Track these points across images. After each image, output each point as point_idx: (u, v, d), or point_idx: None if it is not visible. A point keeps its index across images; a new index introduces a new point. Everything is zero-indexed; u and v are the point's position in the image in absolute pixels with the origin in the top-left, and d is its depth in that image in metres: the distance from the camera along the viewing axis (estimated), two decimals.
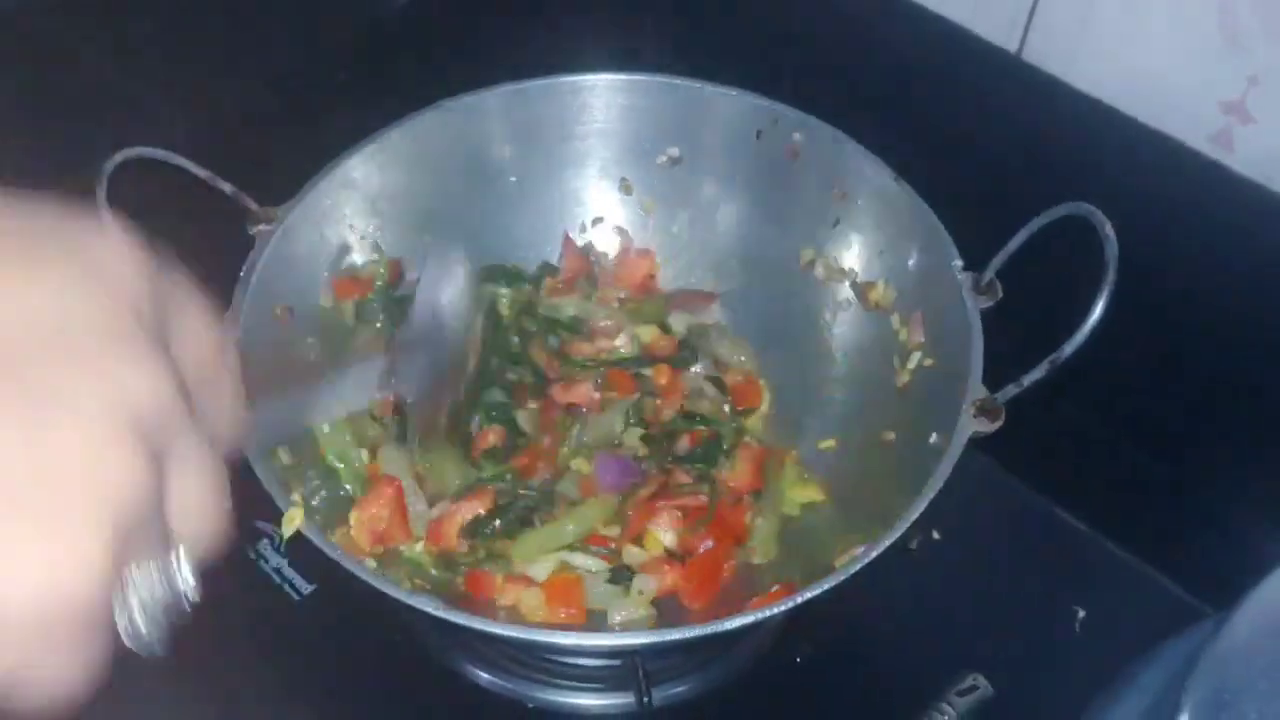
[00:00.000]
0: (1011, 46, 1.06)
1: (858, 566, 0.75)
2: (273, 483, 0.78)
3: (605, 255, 1.12)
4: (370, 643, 0.93)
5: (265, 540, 0.97)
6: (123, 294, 0.37)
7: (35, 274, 0.35)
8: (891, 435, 0.93)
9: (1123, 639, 0.81)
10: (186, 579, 0.40)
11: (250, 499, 0.76)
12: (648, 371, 1.03)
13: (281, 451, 0.86)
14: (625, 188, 1.10)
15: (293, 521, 0.78)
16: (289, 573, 0.96)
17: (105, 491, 0.34)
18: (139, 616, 0.39)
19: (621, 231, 1.11)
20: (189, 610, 0.41)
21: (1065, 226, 0.81)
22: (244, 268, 0.90)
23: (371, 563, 0.87)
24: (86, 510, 0.34)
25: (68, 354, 0.35)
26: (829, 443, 1.00)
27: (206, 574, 0.42)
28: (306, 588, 0.95)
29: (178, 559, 0.40)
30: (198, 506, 0.39)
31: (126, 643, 0.39)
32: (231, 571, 0.94)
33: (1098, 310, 0.76)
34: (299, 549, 0.77)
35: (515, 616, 0.89)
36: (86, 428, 0.34)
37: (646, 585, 0.90)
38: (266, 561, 0.96)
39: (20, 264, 0.36)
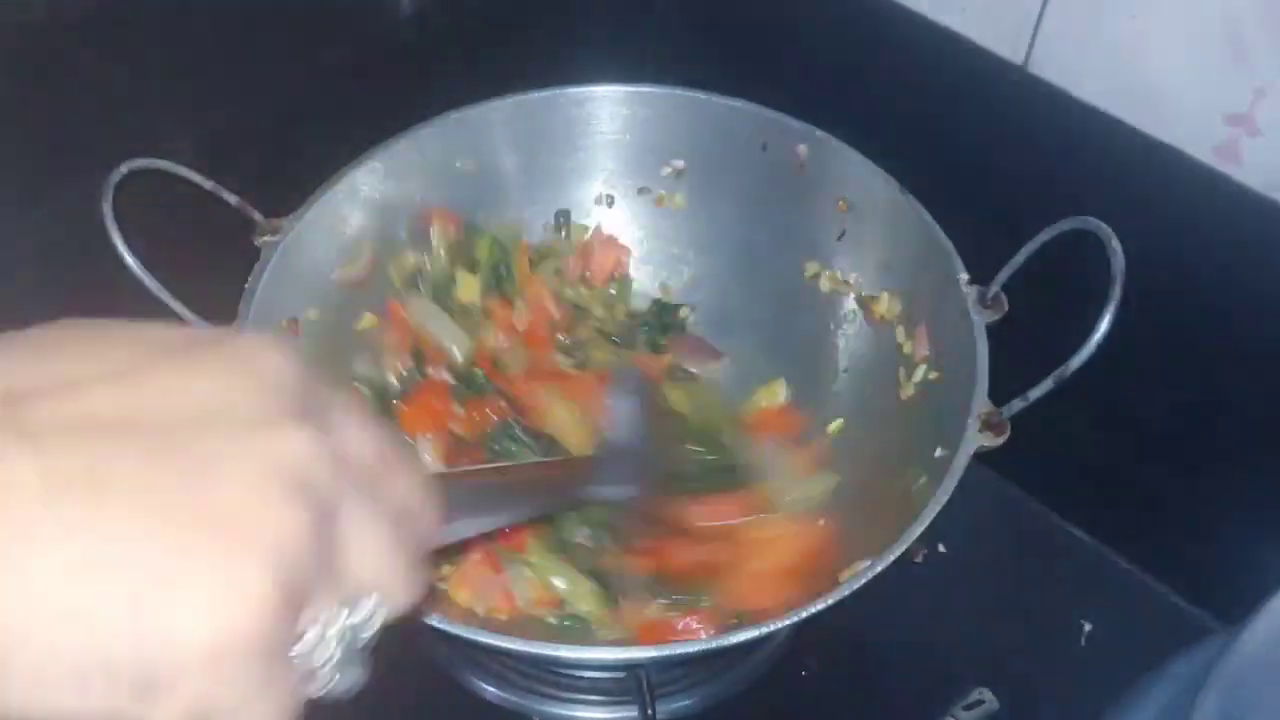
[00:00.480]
0: (1017, 59, 1.06)
1: (863, 581, 0.75)
2: None
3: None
4: (373, 654, 0.93)
5: None
6: (274, 382, 0.39)
7: (197, 368, 0.38)
8: (897, 447, 0.93)
9: (1129, 653, 0.81)
10: (368, 628, 0.41)
11: None
12: None
13: None
14: (609, 201, 1.11)
15: None
16: None
17: (270, 539, 0.36)
18: (321, 664, 0.40)
19: (614, 242, 1.12)
20: (367, 666, 0.42)
21: (1071, 240, 0.81)
22: (249, 279, 0.90)
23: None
24: (251, 553, 0.35)
25: (228, 429, 0.37)
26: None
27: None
28: None
29: (355, 611, 0.40)
30: (374, 569, 0.41)
31: (315, 691, 0.40)
32: None
33: (1104, 325, 0.76)
34: None
35: None
36: (248, 483, 0.36)
37: None
38: None
39: (184, 361, 0.38)
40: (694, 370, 1.08)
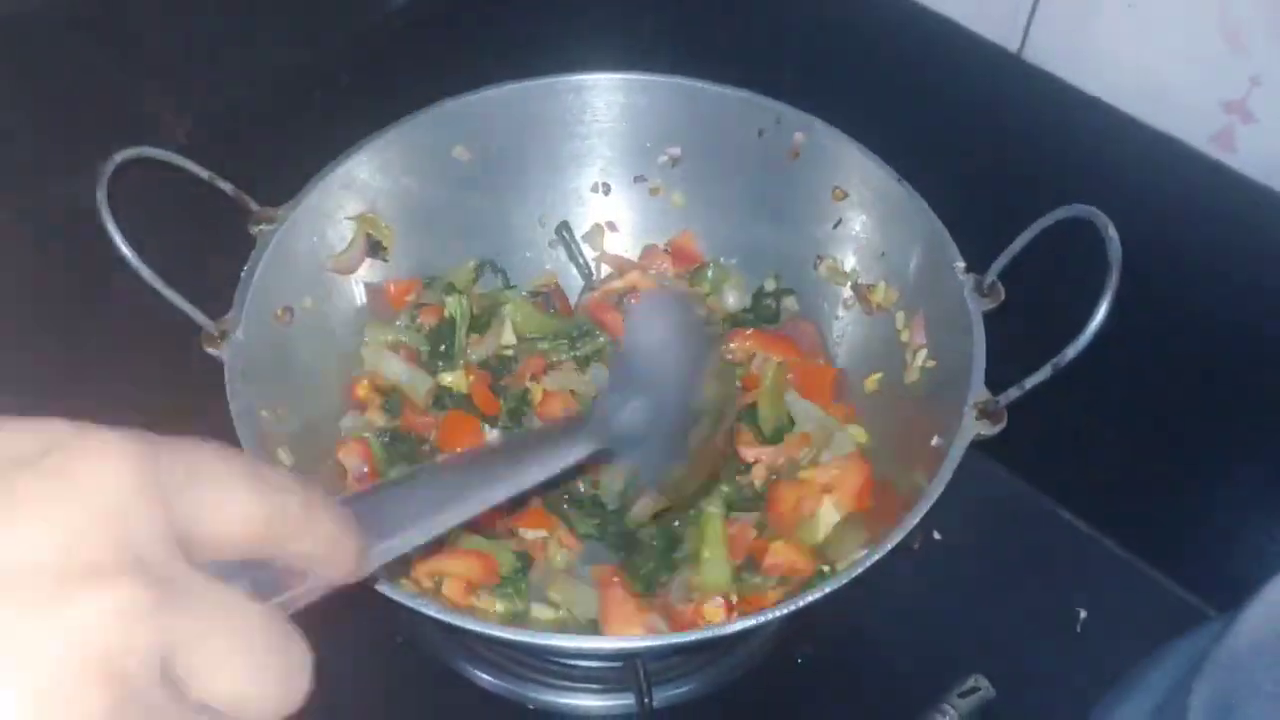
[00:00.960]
0: (1013, 46, 1.06)
1: (860, 569, 0.75)
2: None
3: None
4: (372, 645, 0.93)
5: None
6: (104, 524, 0.35)
7: (3, 519, 0.34)
8: (895, 436, 0.93)
9: (1125, 640, 0.81)
10: None
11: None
12: None
13: (282, 452, 0.86)
14: (605, 189, 1.11)
15: None
16: None
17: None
18: None
19: (612, 227, 1.12)
20: None
21: (1068, 228, 0.81)
22: (245, 268, 0.90)
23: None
24: None
25: (18, 605, 0.33)
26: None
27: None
28: None
29: None
30: (232, 694, 0.38)
31: None
32: None
33: (1101, 313, 0.76)
34: None
35: None
36: (39, 677, 0.33)
37: None
38: None
39: None
40: None
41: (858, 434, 0.97)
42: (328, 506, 0.44)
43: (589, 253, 1.12)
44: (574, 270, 1.12)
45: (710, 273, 1.09)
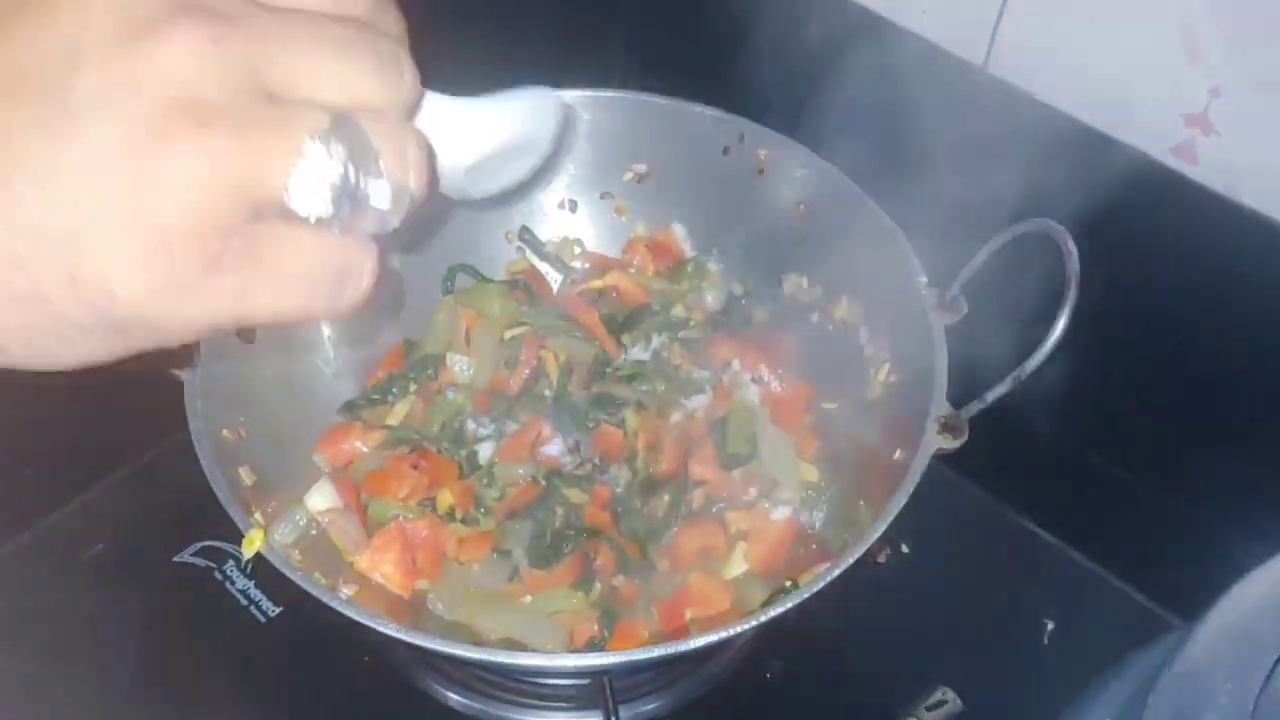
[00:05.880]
0: (977, 59, 1.06)
1: (824, 582, 0.75)
2: (232, 504, 0.77)
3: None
4: (338, 664, 0.93)
5: (231, 561, 0.96)
6: None
7: None
8: (858, 450, 0.93)
9: (1091, 650, 0.81)
10: (356, 139, 0.38)
11: (216, 519, 0.76)
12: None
13: (243, 471, 0.85)
14: (571, 206, 1.11)
15: (253, 544, 0.77)
16: (255, 594, 0.95)
17: (178, 168, 0.35)
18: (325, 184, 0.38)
19: (580, 244, 1.12)
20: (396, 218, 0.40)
21: (1030, 242, 0.81)
22: None
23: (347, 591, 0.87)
24: (160, 189, 0.35)
25: (97, 60, 0.35)
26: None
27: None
28: (273, 610, 0.95)
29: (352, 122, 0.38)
30: (337, 84, 0.39)
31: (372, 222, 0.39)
32: (197, 593, 0.94)
33: (1059, 326, 0.76)
34: (265, 570, 0.76)
35: None
36: (133, 122, 0.35)
37: None
38: (233, 583, 0.96)
39: None
40: None
41: (809, 472, 0.97)
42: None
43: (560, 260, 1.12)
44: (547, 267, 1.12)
45: (690, 269, 1.09)
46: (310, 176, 0.37)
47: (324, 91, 0.38)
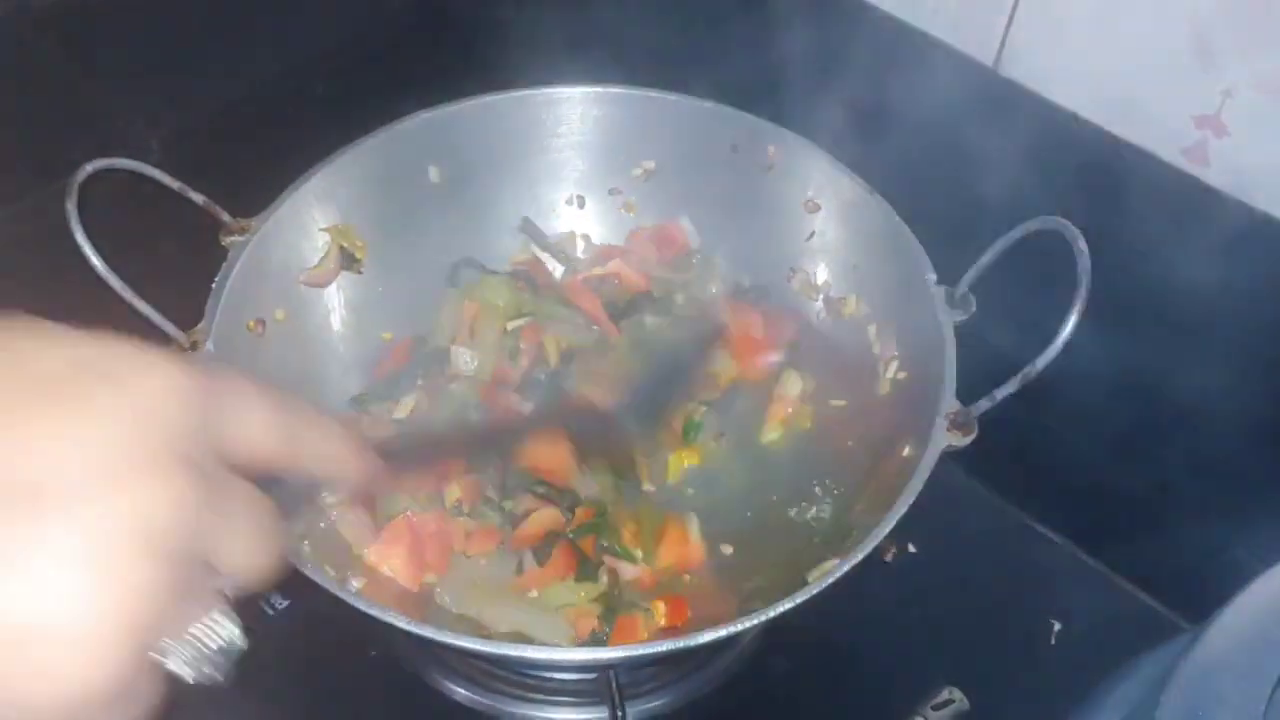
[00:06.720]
0: (987, 60, 1.06)
1: (831, 580, 0.75)
2: None
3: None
4: (345, 658, 0.93)
5: None
6: (157, 424, 0.40)
7: (67, 414, 0.39)
8: (864, 446, 0.93)
9: (1099, 652, 0.80)
10: (233, 639, 0.45)
11: None
12: None
13: None
14: (579, 202, 1.11)
15: None
16: None
17: (118, 596, 0.38)
18: (187, 665, 0.44)
19: (588, 240, 1.12)
20: (243, 647, 0.46)
21: (1039, 240, 0.81)
22: (216, 279, 0.89)
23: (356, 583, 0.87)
24: (105, 600, 0.38)
25: (96, 480, 0.39)
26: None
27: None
28: (281, 602, 0.94)
29: (218, 622, 0.45)
30: (241, 566, 0.45)
31: (188, 678, 0.44)
32: None
33: (1070, 324, 0.76)
34: None
35: None
36: (92, 546, 0.38)
37: None
38: None
39: (55, 405, 0.39)
40: None
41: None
42: (336, 425, 0.52)
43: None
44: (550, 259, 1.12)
45: (695, 260, 1.09)
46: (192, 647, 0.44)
47: (229, 565, 0.44)
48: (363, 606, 0.74)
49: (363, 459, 0.54)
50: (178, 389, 0.41)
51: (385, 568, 0.90)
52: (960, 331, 0.86)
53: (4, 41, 0.99)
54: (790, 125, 1.01)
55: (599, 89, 1.05)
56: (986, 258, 0.85)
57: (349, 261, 1.02)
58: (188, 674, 0.44)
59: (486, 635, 0.86)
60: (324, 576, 0.76)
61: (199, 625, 0.44)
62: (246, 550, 0.44)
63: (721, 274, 1.09)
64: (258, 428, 0.46)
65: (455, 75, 1.09)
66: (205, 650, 0.44)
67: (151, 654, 0.42)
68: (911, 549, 0.97)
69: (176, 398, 0.41)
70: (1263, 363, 0.94)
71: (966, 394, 0.82)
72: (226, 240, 0.91)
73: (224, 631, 0.45)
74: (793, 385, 1.01)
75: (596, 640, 0.88)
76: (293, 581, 0.85)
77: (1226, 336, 0.95)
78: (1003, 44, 1.05)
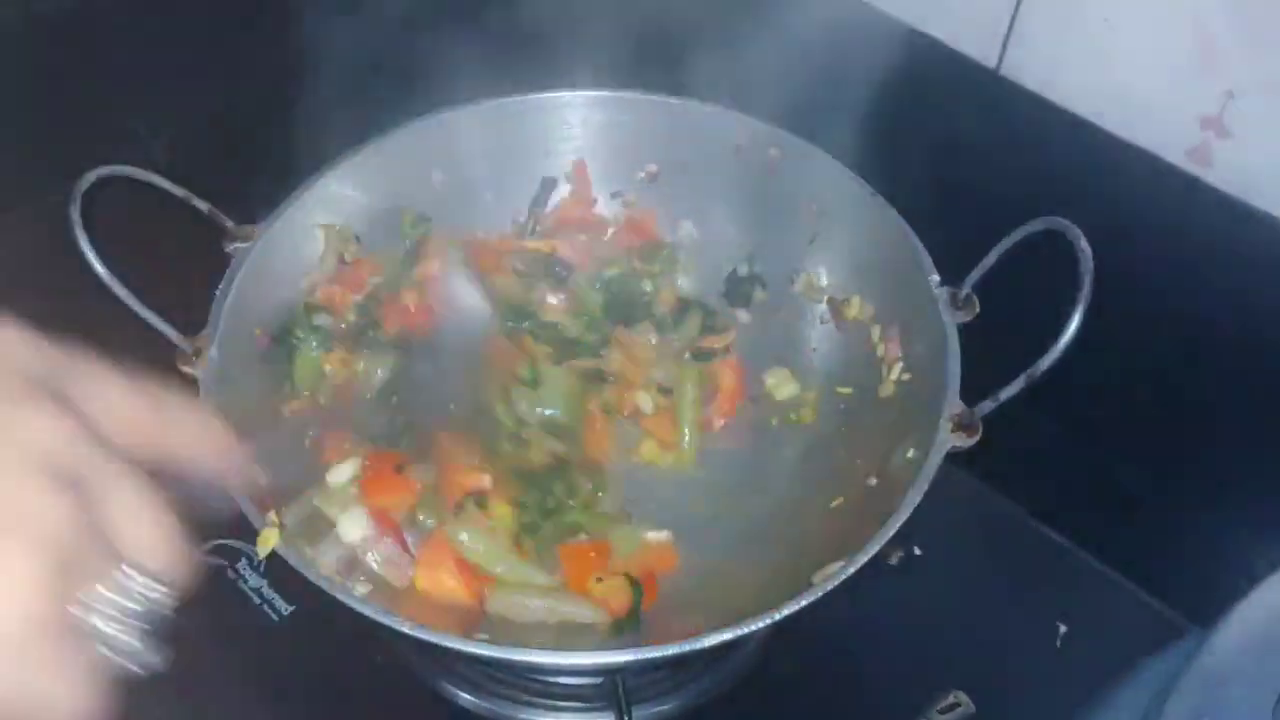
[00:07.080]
0: (990, 62, 1.06)
1: (836, 583, 0.75)
2: (247, 502, 0.77)
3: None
4: (351, 664, 0.93)
5: (244, 560, 0.96)
6: (11, 364, 0.42)
7: None
8: (869, 447, 0.93)
9: (1105, 655, 0.81)
10: (151, 589, 0.45)
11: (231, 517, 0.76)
12: None
13: (258, 469, 0.85)
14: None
15: (268, 542, 0.77)
16: (269, 593, 0.95)
17: (30, 524, 0.39)
18: (112, 629, 0.44)
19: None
20: (168, 616, 0.46)
21: (1042, 241, 0.81)
22: (219, 286, 0.89)
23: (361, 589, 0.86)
24: (16, 543, 0.38)
25: None
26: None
27: (186, 586, 0.47)
28: (286, 608, 0.94)
29: (130, 574, 0.44)
30: (136, 525, 0.44)
31: (113, 658, 0.44)
32: (210, 592, 0.94)
33: (1073, 325, 0.76)
34: (278, 569, 0.76)
35: None
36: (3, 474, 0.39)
37: None
38: (245, 581, 0.96)
39: None
40: None
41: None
42: (197, 403, 0.57)
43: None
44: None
45: (665, 253, 1.08)
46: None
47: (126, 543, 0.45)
48: (368, 612, 0.74)
49: (225, 438, 0.56)
50: (24, 338, 0.43)
51: (437, 591, 0.87)
52: (964, 332, 0.86)
53: (9, 48, 0.99)
54: (794, 128, 1.01)
55: (602, 93, 1.05)
56: (990, 259, 0.85)
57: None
58: (117, 635, 0.44)
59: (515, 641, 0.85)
60: (330, 583, 0.76)
61: (114, 579, 0.43)
62: (139, 526, 0.45)
63: (694, 266, 1.09)
64: (116, 393, 0.47)
65: (458, 80, 1.09)
66: (127, 606, 0.44)
67: (71, 609, 0.42)
68: (917, 551, 0.97)
69: (26, 349, 0.43)
70: (1266, 363, 0.94)
71: (970, 395, 0.82)
72: (230, 247, 0.91)
73: (140, 584, 0.45)
74: (785, 387, 1.02)
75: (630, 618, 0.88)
76: (298, 588, 0.86)
77: (1231, 336, 0.95)
78: (1005, 46, 1.05)
